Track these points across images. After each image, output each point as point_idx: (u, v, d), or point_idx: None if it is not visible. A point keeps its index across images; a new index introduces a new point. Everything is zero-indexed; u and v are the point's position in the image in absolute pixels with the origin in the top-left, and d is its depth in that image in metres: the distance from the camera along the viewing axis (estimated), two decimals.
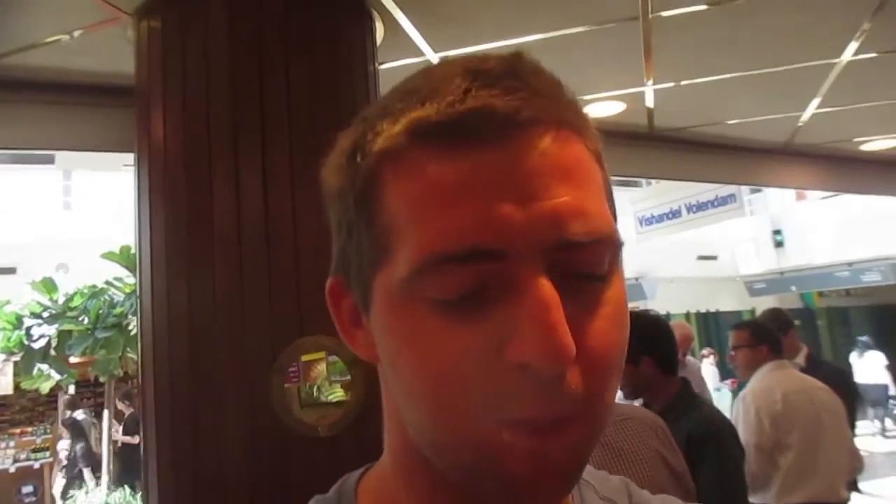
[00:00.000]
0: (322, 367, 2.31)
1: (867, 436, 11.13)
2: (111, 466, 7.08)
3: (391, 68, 3.05)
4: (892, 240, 10.51)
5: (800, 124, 4.05)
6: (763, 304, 12.92)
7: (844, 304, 15.47)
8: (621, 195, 12.36)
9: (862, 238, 10.65)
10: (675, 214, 7.61)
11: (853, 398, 3.79)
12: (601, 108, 3.68)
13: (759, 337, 3.34)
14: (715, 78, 3.34)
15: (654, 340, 2.57)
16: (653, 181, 8.00)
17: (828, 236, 10.82)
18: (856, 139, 4.44)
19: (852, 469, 3.33)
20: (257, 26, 2.47)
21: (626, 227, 9.47)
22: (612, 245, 0.45)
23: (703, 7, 2.66)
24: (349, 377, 2.30)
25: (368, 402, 2.27)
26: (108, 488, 6.87)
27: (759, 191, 10.60)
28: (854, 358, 12.35)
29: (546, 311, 0.41)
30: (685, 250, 11.18)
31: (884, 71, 3.28)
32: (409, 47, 2.95)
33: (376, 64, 2.70)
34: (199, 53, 2.49)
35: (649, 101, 3.61)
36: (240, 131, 2.42)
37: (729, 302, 13.67)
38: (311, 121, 2.47)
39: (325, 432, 2.24)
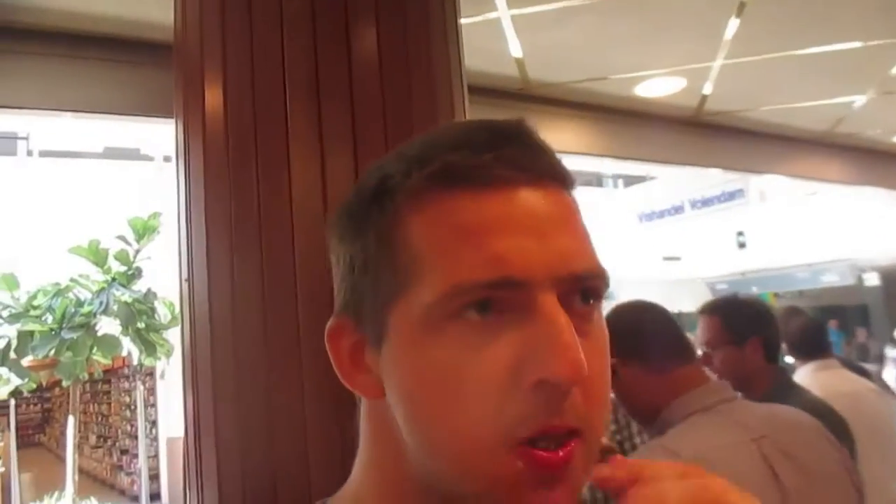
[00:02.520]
0: None
1: None
2: (75, 476, 6.55)
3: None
4: (850, 241, 10.80)
5: (847, 113, 3.98)
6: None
7: (798, 305, 15.99)
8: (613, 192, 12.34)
9: (822, 239, 10.89)
10: (677, 210, 7.55)
11: None
12: (656, 85, 3.51)
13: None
14: (787, 54, 3.20)
15: (762, 321, 2.38)
16: (655, 176, 8.00)
17: (789, 237, 10.99)
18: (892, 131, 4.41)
19: None
20: None
21: (625, 223, 9.43)
22: (605, 281, 0.53)
23: None
24: None
25: None
26: (73, 500, 6.37)
27: None
28: None
29: (562, 332, 0.47)
30: (651, 251, 11.22)
31: None
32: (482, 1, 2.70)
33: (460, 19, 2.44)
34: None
35: (712, 78, 3.45)
36: (323, 97, 2.13)
37: (691, 303, 13.85)
38: (405, 83, 2.20)
39: None
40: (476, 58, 3.21)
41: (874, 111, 3.91)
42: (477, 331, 0.49)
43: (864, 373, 3.87)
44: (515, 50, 3.13)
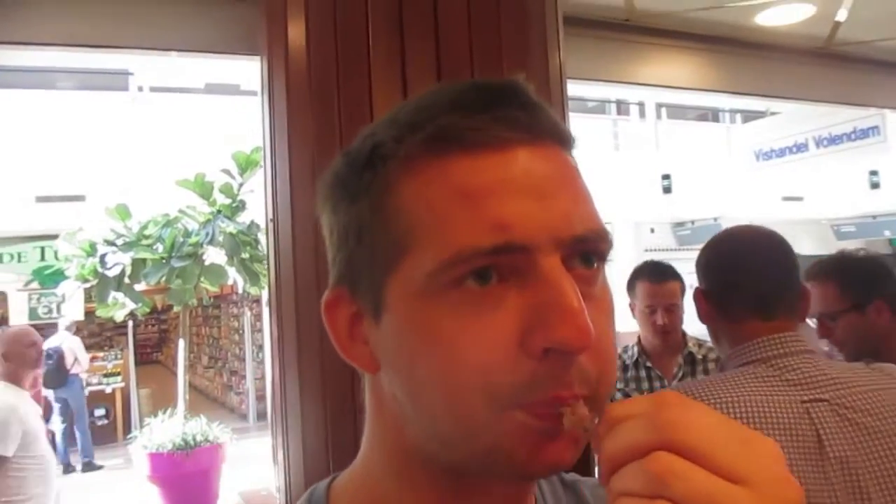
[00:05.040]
0: None
1: None
2: (186, 395, 6.96)
3: None
4: None
5: None
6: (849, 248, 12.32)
7: None
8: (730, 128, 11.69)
9: None
10: (800, 148, 6.94)
11: None
12: (782, 13, 3.15)
13: None
14: None
15: (882, 280, 2.12)
16: (777, 111, 7.46)
17: None
18: None
19: None
20: None
21: (740, 161, 8.89)
22: (608, 243, 0.52)
23: None
24: None
25: None
26: (185, 417, 6.78)
27: None
28: None
29: (569, 298, 0.46)
30: (770, 191, 10.57)
31: None
32: None
33: None
34: None
35: (846, 4, 3.06)
36: (407, 32, 2.01)
37: (811, 245, 13.07)
38: (493, 18, 2.04)
39: None
40: None
41: None
42: (478, 299, 0.48)
43: None
44: None
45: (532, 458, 0.48)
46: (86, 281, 6.83)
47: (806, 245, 13.22)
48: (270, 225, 2.34)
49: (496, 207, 0.48)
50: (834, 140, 6.55)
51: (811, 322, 2.15)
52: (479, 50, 2.00)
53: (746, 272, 1.47)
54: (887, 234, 12.07)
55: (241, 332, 12.32)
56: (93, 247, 6.70)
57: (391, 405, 0.55)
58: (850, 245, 12.42)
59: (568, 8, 3.04)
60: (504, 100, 0.51)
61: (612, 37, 3.26)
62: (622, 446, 0.41)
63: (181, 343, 7.23)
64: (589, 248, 0.51)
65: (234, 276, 6.87)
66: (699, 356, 2.82)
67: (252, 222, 6.71)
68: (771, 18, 3.20)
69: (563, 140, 0.54)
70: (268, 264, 2.38)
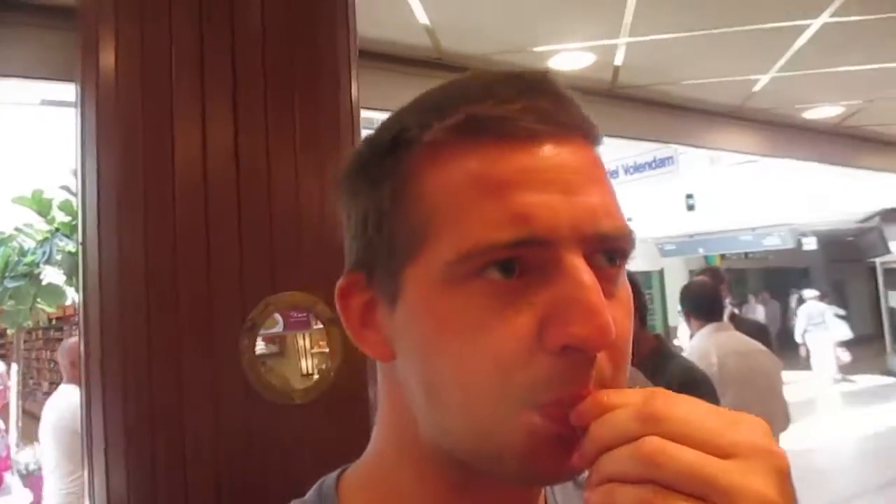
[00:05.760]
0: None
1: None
2: (19, 423, 6.67)
3: None
4: (792, 207, 11.11)
5: (755, 89, 4.13)
6: (671, 265, 13.58)
7: (743, 266, 16.72)
8: None
9: (765, 204, 11.19)
10: (613, 174, 7.64)
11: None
12: (569, 59, 3.61)
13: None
14: (688, 34, 3.32)
15: (636, 292, 2.64)
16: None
17: (735, 202, 11.29)
18: (797, 106, 4.59)
19: (781, 429, 3.45)
20: None
21: None
22: (631, 243, 0.51)
23: None
24: (326, 340, 2.14)
25: (344, 368, 2.08)
26: (17, 446, 6.48)
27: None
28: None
29: (591, 295, 0.44)
30: None
31: (853, 37, 3.34)
32: None
33: None
34: None
35: (620, 55, 3.56)
36: (207, 61, 2.19)
37: (641, 263, 14.20)
38: (287, 52, 2.27)
39: (300, 399, 2.03)
40: (386, 27, 3.26)
41: (781, 87, 4.07)
42: (499, 291, 0.47)
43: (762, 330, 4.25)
44: (423, 18, 3.18)
45: (544, 467, 0.47)
46: None
47: (638, 262, 14.34)
48: (80, 249, 2.37)
49: (520, 199, 0.46)
50: (638, 168, 7.34)
51: None
52: (273, 85, 2.21)
53: None
54: (701, 251, 13.45)
55: None
56: None
57: (405, 395, 0.54)
58: (672, 262, 13.57)
59: (380, 46, 3.34)
60: (534, 91, 0.50)
61: (422, 73, 3.58)
62: (613, 432, 0.42)
63: (14, 367, 6.92)
64: (612, 246, 0.49)
65: (73, 296, 6.66)
66: None
67: None
68: (561, 64, 3.63)
69: (591, 135, 0.53)
70: (78, 289, 2.39)
